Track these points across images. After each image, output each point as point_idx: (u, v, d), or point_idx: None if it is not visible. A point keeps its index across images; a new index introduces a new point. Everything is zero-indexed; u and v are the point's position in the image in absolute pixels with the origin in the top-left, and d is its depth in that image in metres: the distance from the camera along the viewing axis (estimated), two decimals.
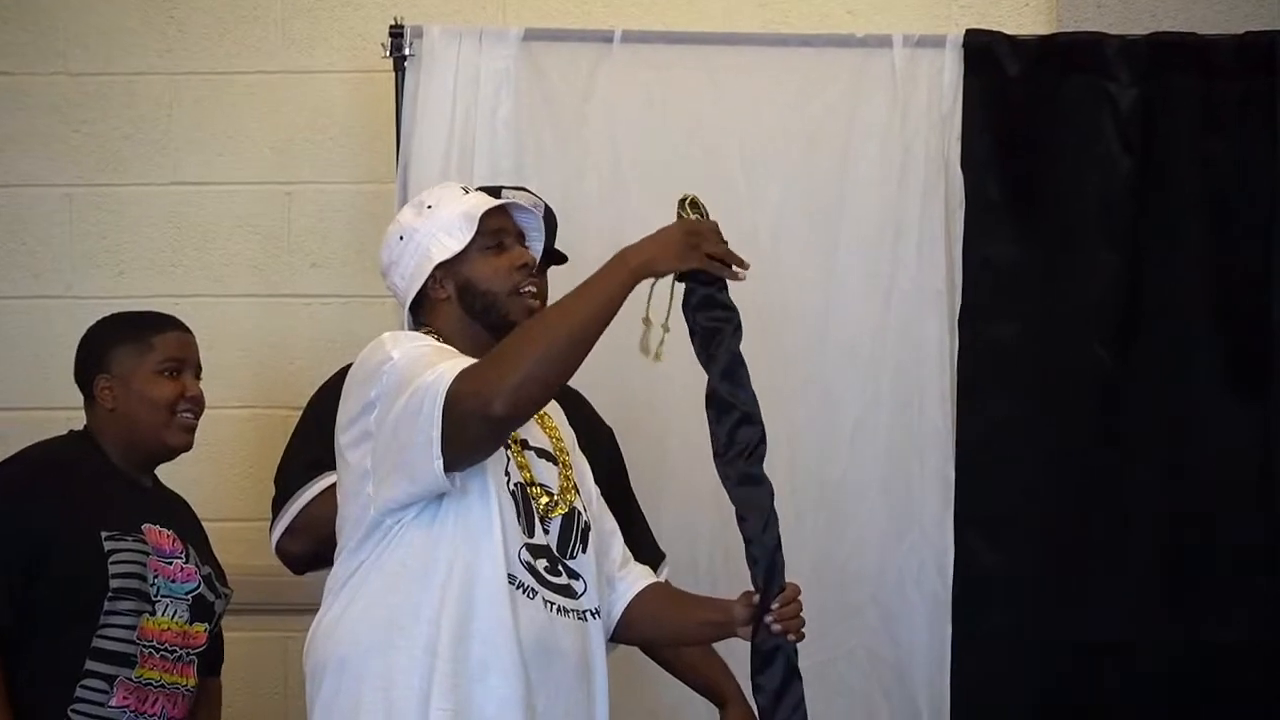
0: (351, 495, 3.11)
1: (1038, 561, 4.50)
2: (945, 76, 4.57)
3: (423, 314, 3.28)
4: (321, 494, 3.63)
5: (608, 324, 3.02)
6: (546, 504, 3.18)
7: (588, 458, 3.41)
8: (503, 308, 3.21)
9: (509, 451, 3.15)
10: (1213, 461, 4.50)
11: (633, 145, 4.59)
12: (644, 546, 3.79)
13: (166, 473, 3.89)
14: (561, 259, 3.81)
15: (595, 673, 3.20)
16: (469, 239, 3.20)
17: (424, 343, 3.10)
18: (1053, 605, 4.49)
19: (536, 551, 3.13)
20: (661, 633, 3.49)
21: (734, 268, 3.17)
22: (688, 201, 3.22)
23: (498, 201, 3.27)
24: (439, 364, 2.99)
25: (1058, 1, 4.88)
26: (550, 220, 3.78)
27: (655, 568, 3.73)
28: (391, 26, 4.56)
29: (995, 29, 4.62)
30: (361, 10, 4.96)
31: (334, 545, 3.27)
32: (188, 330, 3.84)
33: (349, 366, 3.68)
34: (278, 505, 3.75)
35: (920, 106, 4.58)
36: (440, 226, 3.22)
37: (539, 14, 4.86)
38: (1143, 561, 4.48)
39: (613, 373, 4.26)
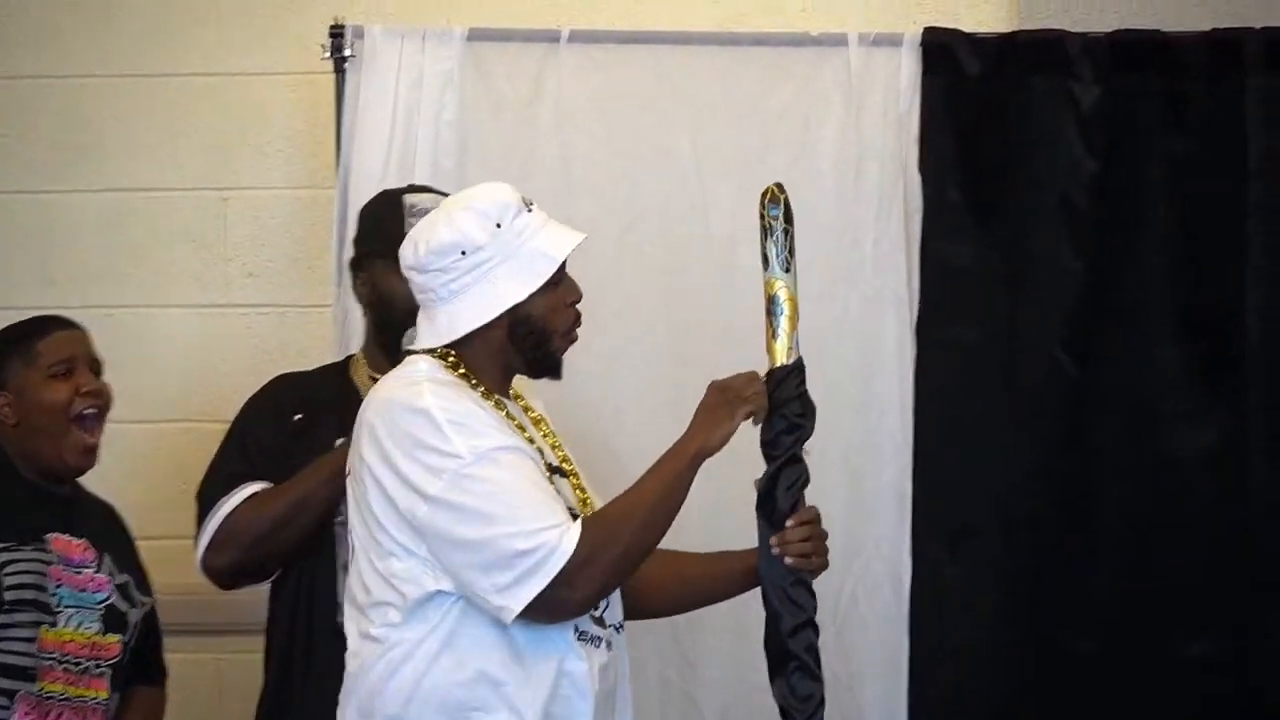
0: (387, 553, 3.01)
1: (1001, 573, 4.44)
2: (902, 76, 4.50)
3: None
4: (241, 505, 3.61)
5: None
6: None
7: None
8: (553, 345, 3.14)
9: None
10: (1182, 468, 4.43)
11: (581, 148, 4.51)
12: None
13: (101, 492, 3.82)
14: None
15: (620, 693, 3.17)
16: (545, 281, 3.07)
17: (487, 435, 2.97)
18: (1017, 618, 4.44)
19: None
20: (691, 593, 3.41)
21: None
22: (767, 197, 3.23)
23: (578, 240, 3.12)
24: (526, 513, 2.92)
25: None
26: None
27: None
28: (332, 27, 4.47)
29: (954, 27, 4.55)
30: (301, 11, 4.85)
31: (258, 556, 3.55)
32: (75, 326, 3.76)
33: (275, 380, 3.84)
34: (200, 521, 3.68)
35: (877, 107, 4.51)
36: (512, 256, 3.06)
37: (484, 14, 4.74)
38: (1111, 572, 4.43)
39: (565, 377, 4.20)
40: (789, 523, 3.12)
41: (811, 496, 4.37)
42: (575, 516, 3.05)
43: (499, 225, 3.05)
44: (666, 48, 4.55)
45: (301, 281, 4.79)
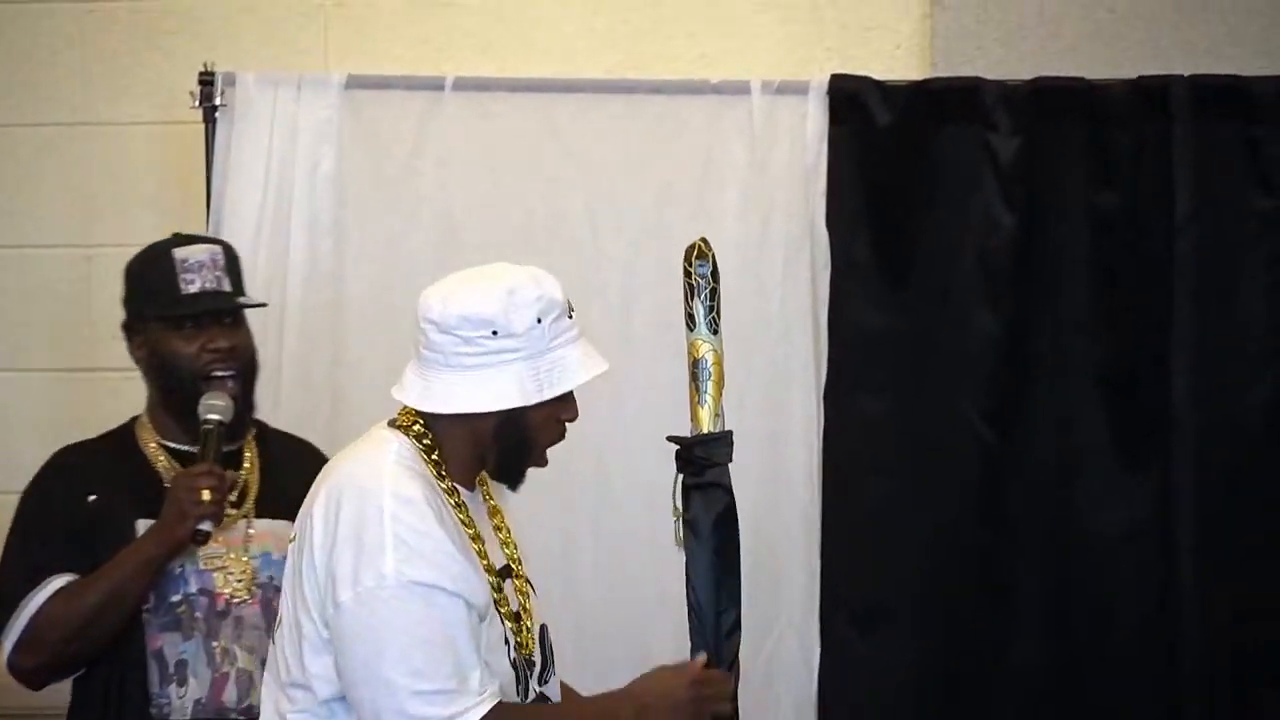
0: (304, 639, 2.86)
1: (913, 654, 4.34)
2: (809, 126, 4.38)
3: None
4: (49, 601, 3.39)
5: None
6: (524, 639, 2.99)
7: None
8: (532, 457, 3.00)
9: (500, 615, 2.93)
10: (1104, 544, 4.32)
11: (466, 202, 4.40)
12: None
13: None
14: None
15: None
16: (559, 394, 2.93)
17: (424, 567, 2.79)
18: (930, 702, 4.34)
19: None
20: None
21: None
22: (694, 253, 3.09)
23: (601, 369, 2.95)
24: (418, 665, 2.76)
25: (932, 45, 4.66)
26: (233, 260, 3.58)
27: None
28: (201, 73, 4.34)
29: (863, 74, 4.41)
30: (169, 56, 4.71)
31: (70, 654, 3.37)
32: None
33: (59, 455, 3.61)
34: (2, 619, 3.46)
35: (782, 159, 4.41)
36: (537, 356, 2.88)
37: (363, 60, 4.63)
38: (1029, 653, 4.32)
39: None
40: None
41: None
42: (516, 618, 2.96)
43: (539, 321, 2.89)
44: (557, 96, 4.45)
45: None
